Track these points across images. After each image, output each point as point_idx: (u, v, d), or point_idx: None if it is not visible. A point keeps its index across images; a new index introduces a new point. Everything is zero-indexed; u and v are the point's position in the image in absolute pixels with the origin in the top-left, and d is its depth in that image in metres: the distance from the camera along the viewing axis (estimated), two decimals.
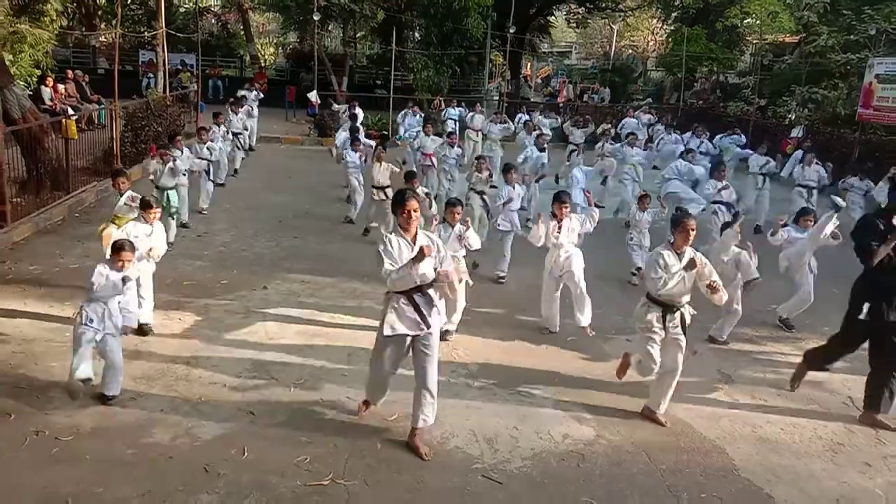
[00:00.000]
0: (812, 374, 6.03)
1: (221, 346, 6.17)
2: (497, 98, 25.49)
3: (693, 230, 5.16)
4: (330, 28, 30.96)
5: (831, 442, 5.14)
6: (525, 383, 5.77)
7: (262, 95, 18.90)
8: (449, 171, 11.99)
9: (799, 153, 12.96)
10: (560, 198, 6.88)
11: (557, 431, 5.04)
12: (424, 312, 4.53)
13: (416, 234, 4.57)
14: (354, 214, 10.95)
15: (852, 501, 4.43)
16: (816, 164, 11.71)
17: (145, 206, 6.16)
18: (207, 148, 11.06)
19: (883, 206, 6.32)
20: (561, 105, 26.61)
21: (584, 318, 6.75)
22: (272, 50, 41.62)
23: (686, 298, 5.19)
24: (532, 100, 30.37)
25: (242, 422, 4.92)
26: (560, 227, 6.72)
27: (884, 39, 17.48)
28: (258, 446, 4.60)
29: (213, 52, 29.73)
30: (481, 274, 8.56)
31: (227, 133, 13.70)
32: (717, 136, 16.11)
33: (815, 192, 11.52)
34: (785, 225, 7.29)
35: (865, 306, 5.39)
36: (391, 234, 4.61)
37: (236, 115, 15.05)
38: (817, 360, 5.92)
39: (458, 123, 17.69)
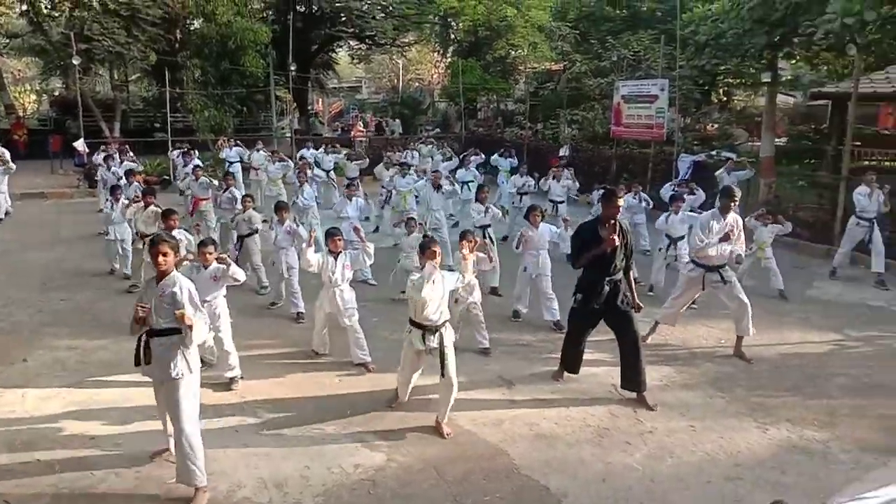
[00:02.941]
0: (581, 368, 6.62)
1: None
2: (289, 135, 25.26)
3: (439, 255, 5.49)
4: (100, 72, 28.92)
5: (598, 428, 5.65)
6: (317, 420, 5.71)
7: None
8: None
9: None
10: (332, 232, 7.02)
11: (349, 463, 5.05)
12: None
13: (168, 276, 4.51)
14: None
15: (615, 478, 4.89)
16: (567, 178, 12.94)
17: None
18: None
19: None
20: (356, 140, 26.98)
21: None
22: (34, 97, 37.95)
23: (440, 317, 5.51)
24: (325, 135, 30.47)
25: None
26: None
27: (625, 65, 19.86)
28: None
29: None
30: (271, 313, 8.43)
31: None
32: (493, 156, 17.25)
33: (561, 205, 12.68)
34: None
35: (578, 297, 6.18)
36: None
37: None
38: (566, 358, 6.54)
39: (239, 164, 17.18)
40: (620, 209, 6.06)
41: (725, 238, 6.94)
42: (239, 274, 6.26)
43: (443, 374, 5.39)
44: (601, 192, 6.33)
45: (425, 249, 5.52)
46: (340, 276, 6.82)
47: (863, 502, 2.71)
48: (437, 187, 11.19)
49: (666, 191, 11.26)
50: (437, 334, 5.42)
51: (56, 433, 5.45)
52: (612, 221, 5.91)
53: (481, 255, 7.02)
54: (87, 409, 5.89)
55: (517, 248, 8.09)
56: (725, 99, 25.42)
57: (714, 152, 16.56)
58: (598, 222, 6.09)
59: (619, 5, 24.84)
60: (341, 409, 5.95)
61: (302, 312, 8.34)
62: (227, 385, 6.33)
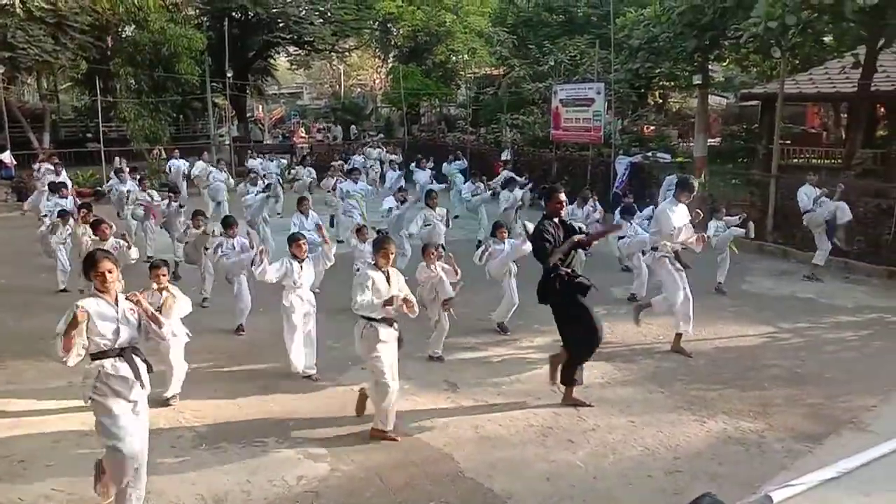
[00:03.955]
0: (523, 371, 6.68)
1: None
2: (228, 143, 24.80)
3: (392, 253, 5.55)
4: (27, 81, 27.82)
5: (542, 427, 5.70)
6: (258, 433, 5.60)
7: None
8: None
9: (505, 173, 14.29)
10: (294, 237, 6.89)
11: (292, 475, 4.95)
12: None
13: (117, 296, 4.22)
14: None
15: (559, 477, 4.93)
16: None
17: None
18: None
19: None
20: (297, 146, 26.68)
21: None
22: None
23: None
24: (265, 142, 30.03)
25: None
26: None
27: (562, 69, 20.20)
28: None
29: None
30: (212, 327, 8.24)
31: None
32: (444, 165, 17.35)
33: (514, 211, 12.73)
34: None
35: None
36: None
37: None
38: (571, 367, 6.10)
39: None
40: (564, 204, 6.11)
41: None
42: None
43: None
44: (544, 191, 6.38)
45: (379, 248, 5.54)
46: (306, 280, 6.75)
47: (791, 489, 2.80)
48: (402, 201, 10.97)
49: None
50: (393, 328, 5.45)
51: None
52: (557, 218, 5.94)
53: (447, 266, 7.04)
54: (16, 431, 5.64)
55: (480, 260, 8.07)
56: (661, 101, 26.12)
57: (650, 153, 16.97)
58: (549, 218, 6.04)
59: (556, 11, 25.24)
60: (283, 421, 5.84)
61: (242, 325, 8.17)
62: (165, 401, 6.14)
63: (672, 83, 22.49)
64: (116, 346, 4.11)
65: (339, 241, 9.61)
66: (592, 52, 18.55)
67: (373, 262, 5.62)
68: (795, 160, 18.08)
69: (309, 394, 6.44)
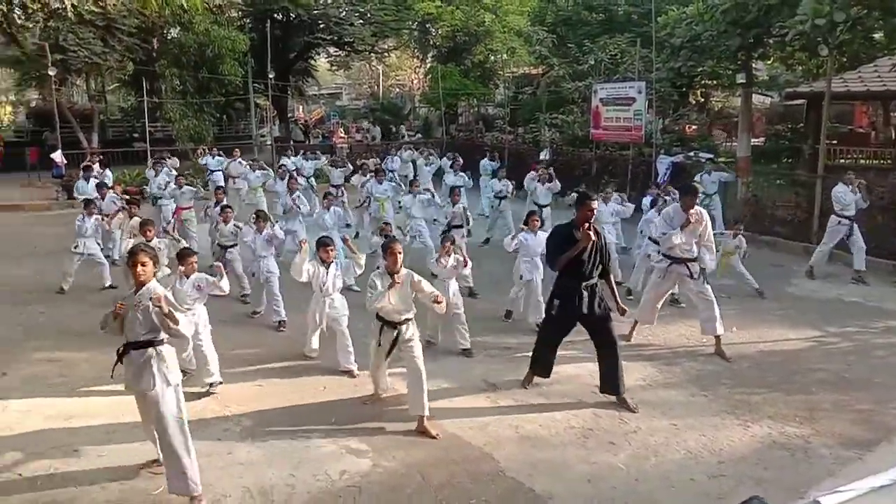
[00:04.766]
0: (563, 370, 6.66)
1: None
2: (269, 143, 25.17)
3: (399, 253, 5.73)
4: (77, 82, 28.68)
5: (582, 429, 5.69)
6: (301, 427, 5.70)
7: None
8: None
9: (532, 174, 14.13)
10: (323, 241, 7.01)
11: (335, 469, 5.04)
12: None
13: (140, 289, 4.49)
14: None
15: (600, 479, 4.92)
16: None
17: None
18: None
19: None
20: (336, 146, 26.94)
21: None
22: (10, 109, 37.58)
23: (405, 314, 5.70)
24: (305, 142, 30.38)
25: None
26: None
27: (602, 68, 20.02)
28: None
29: None
30: (253, 322, 8.41)
31: None
32: (482, 162, 17.33)
33: (545, 209, 12.61)
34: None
35: (556, 303, 6.18)
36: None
37: None
38: (538, 362, 6.47)
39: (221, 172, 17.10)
40: (595, 212, 6.12)
41: (688, 228, 7.04)
42: (224, 285, 6.29)
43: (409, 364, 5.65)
44: (576, 195, 6.37)
45: (386, 250, 5.69)
46: (332, 285, 6.85)
47: (840, 495, 2.75)
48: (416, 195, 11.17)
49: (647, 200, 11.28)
50: (399, 329, 5.65)
51: (37, 447, 5.38)
52: (588, 224, 5.94)
53: (459, 257, 7.16)
54: (70, 422, 5.84)
55: (512, 250, 8.15)
56: (703, 100, 25.69)
57: (692, 153, 16.72)
58: (572, 226, 6.09)
59: (596, 9, 25.01)
60: (326, 416, 5.94)
61: (283, 321, 8.30)
62: (207, 391, 6.30)
63: (715, 82, 22.10)
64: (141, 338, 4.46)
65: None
66: (633, 51, 18.34)
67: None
68: (842, 160, 17.60)
69: (350, 390, 6.52)
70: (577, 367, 6.85)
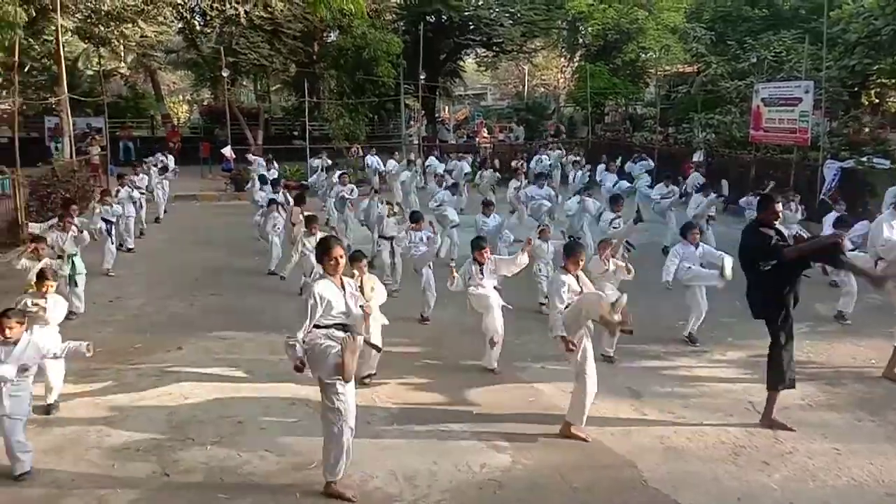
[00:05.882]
0: (714, 385, 6.37)
1: (135, 409, 6.05)
2: (417, 143, 25.96)
3: (583, 259, 5.73)
4: (244, 83, 31.02)
5: (734, 445, 5.42)
6: (444, 420, 5.86)
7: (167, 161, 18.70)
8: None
9: (696, 176, 13.52)
10: (478, 244, 7.21)
11: (475, 462, 5.14)
12: None
13: (342, 279, 4.72)
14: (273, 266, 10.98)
15: (752, 498, 4.68)
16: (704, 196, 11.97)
17: (40, 278, 6.01)
18: (111, 210, 11.10)
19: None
20: (480, 146, 27.29)
21: None
22: (186, 107, 41.25)
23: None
24: (450, 142, 31.02)
25: (157, 485, 4.83)
26: (482, 271, 7.02)
27: (765, 66, 18.84)
28: None
29: (123, 114, 29.25)
30: (402, 315, 8.69)
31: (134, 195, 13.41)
32: (627, 163, 16.91)
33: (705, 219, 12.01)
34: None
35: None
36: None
37: (137, 176, 14.90)
38: (776, 376, 5.70)
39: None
40: (780, 214, 5.79)
41: None
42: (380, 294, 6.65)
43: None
44: (758, 198, 6.10)
45: (570, 253, 5.73)
46: (488, 283, 7.04)
47: None
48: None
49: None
50: None
51: (207, 415, 5.92)
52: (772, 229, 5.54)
53: (620, 264, 7.06)
54: (236, 395, 6.37)
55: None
56: (878, 101, 23.47)
57: (865, 159, 15.32)
58: (763, 226, 5.60)
59: (759, 4, 23.58)
60: (467, 410, 6.08)
61: (427, 315, 8.56)
62: (362, 379, 6.55)
63: (893, 81, 20.14)
64: (348, 321, 4.63)
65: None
66: (800, 48, 17.11)
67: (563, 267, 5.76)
68: None
69: (492, 386, 6.61)
70: (730, 381, 6.53)
